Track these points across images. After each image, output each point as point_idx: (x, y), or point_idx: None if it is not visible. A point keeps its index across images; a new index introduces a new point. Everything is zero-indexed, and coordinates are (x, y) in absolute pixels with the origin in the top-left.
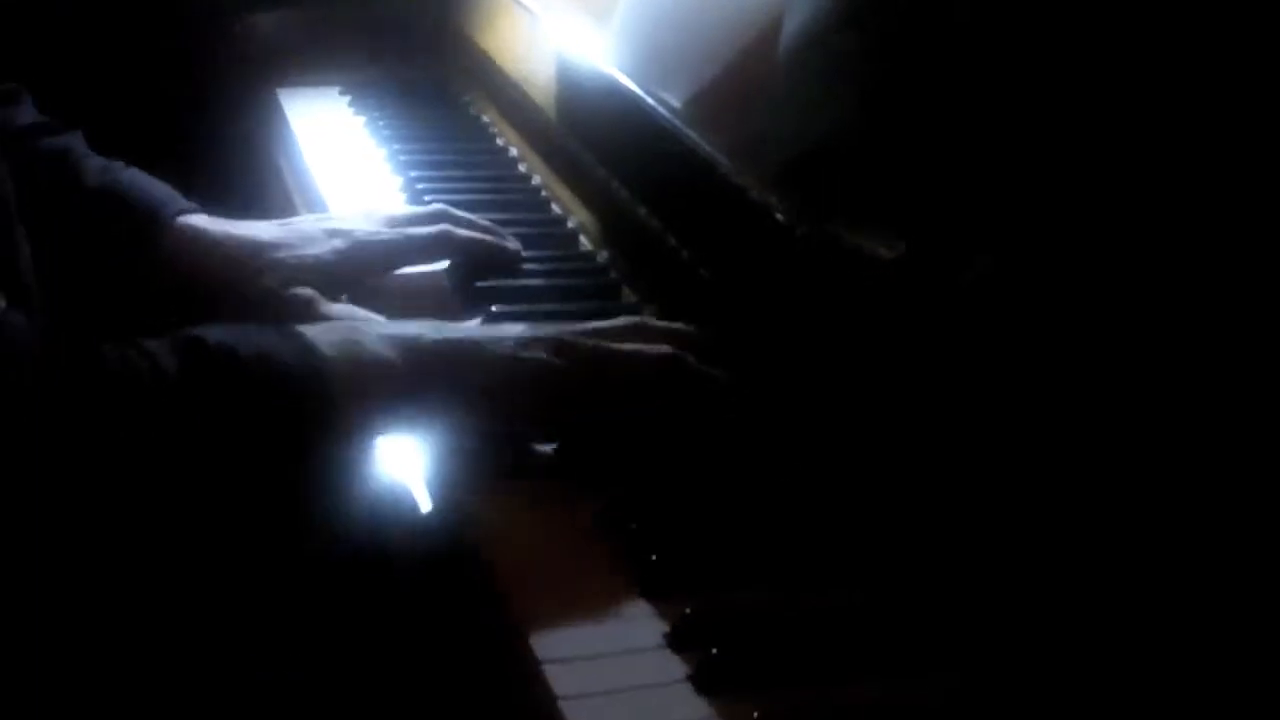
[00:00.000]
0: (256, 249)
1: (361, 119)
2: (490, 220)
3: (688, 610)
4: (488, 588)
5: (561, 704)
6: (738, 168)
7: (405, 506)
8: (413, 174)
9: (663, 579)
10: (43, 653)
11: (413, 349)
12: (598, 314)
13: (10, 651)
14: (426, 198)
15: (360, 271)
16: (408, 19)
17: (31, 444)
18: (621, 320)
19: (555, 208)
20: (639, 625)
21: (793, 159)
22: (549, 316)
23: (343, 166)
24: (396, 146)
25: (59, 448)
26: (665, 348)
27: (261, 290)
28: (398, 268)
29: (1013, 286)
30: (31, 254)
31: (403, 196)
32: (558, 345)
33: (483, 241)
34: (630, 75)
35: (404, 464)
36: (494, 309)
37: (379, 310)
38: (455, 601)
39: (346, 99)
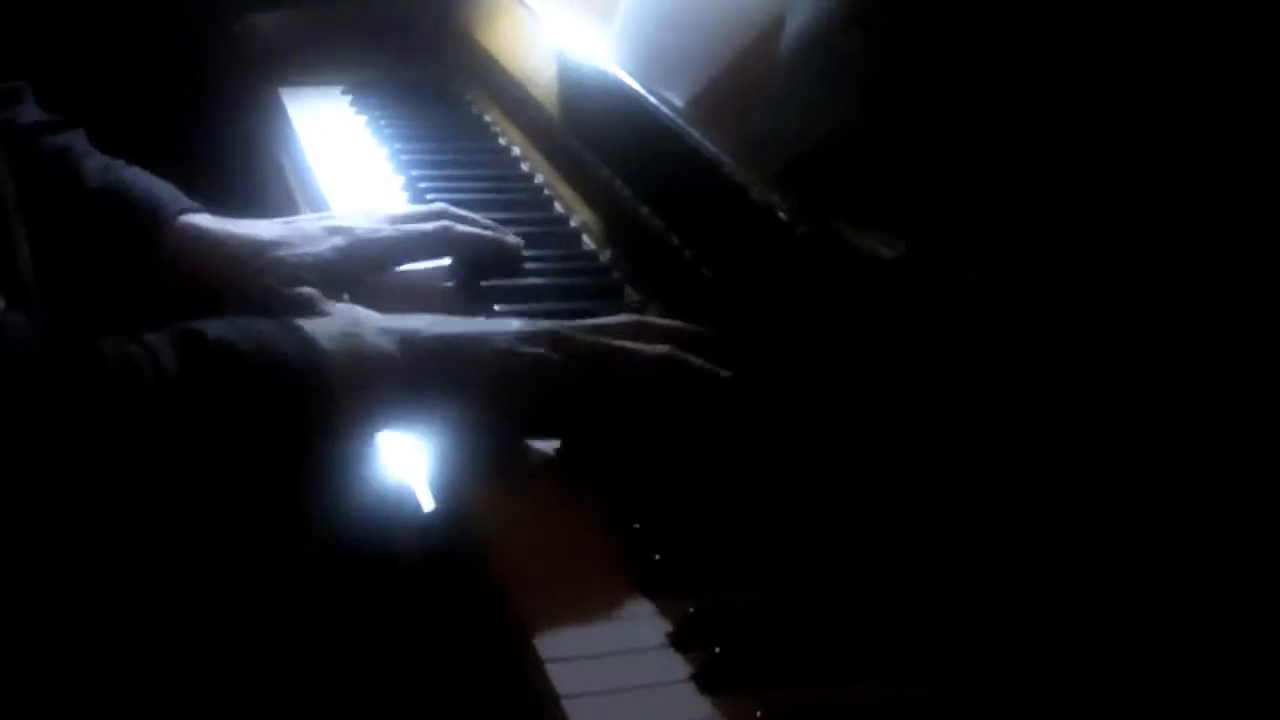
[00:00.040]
0: (258, 248)
1: (363, 118)
2: (492, 219)
3: (691, 610)
4: (490, 587)
5: (564, 703)
6: (740, 167)
7: (407, 506)
8: (414, 173)
9: (666, 578)
10: (43, 652)
11: (412, 342)
12: (600, 313)
13: (10, 651)
14: (429, 197)
15: (361, 269)
16: (409, 18)
17: (31, 443)
18: (622, 318)
19: (558, 207)
20: (642, 624)
21: (795, 158)
22: (551, 316)
23: (345, 165)
24: (398, 146)
25: (59, 446)
26: (664, 346)
27: (263, 289)
28: (399, 265)
29: (1013, 286)
30: (32, 253)
31: (404, 195)
32: (555, 339)
33: (483, 237)
34: (632, 74)
35: (406, 463)
36: (496, 308)
37: (381, 309)
38: (458, 600)
39: (348, 98)
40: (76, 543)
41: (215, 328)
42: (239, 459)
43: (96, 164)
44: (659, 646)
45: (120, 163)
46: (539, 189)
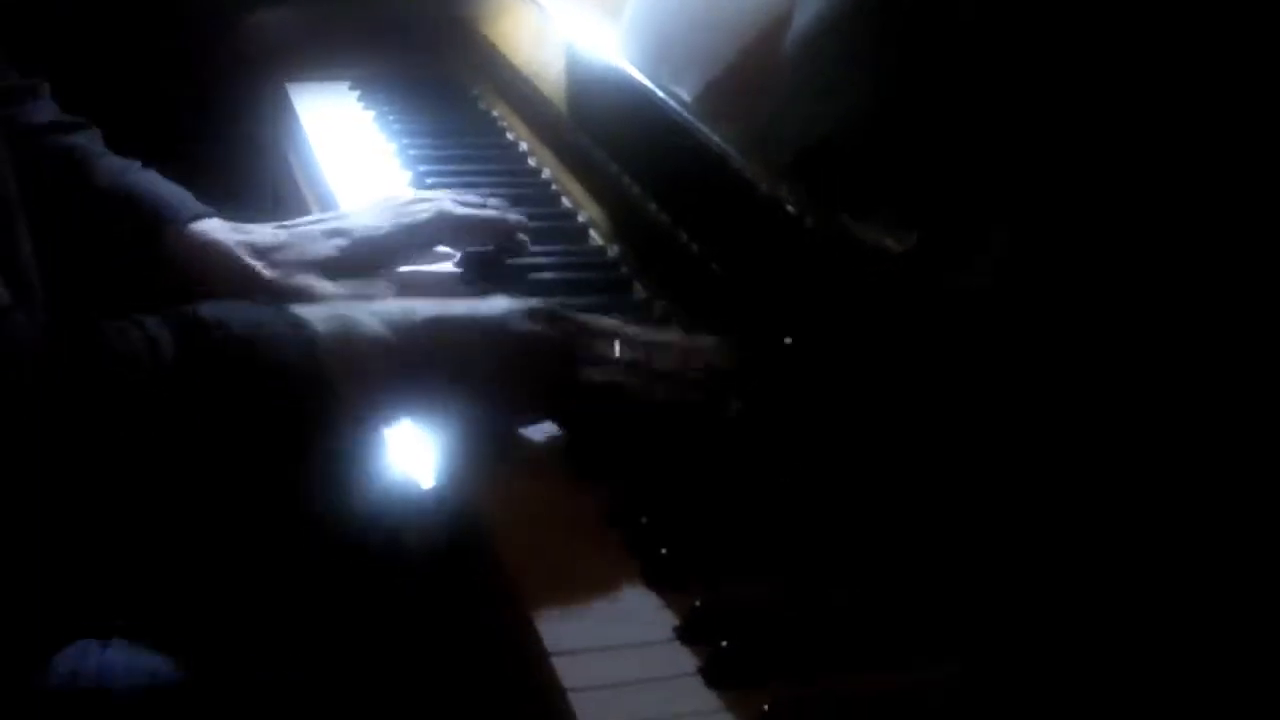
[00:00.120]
0: (262, 253)
1: (371, 113)
2: None
3: (697, 603)
4: (497, 579)
5: (570, 696)
6: (748, 161)
7: (414, 498)
8: (422, 168)
9: (672, 572)
10: (48, 640)
11: (403, 323)
12: (608, 309)
13: (14, 639)
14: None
15: (363, 265)
16: (417, 13)
17: (35, 432)
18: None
19: (566, 202)
20: (648, 618)
21: (803, 152)
22: None
23: (352, 161)
24: (406, 141)
25: (62, 433)
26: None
27: (270, 297)
28: (401, 256)
29: (1021, 281)
30: (38, 251)
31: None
32: (549, 316)
33: (480, 215)
34: (640, 69)
35: (412, 455)
36: None
37: None
38: (464, 593)
39: (356, 93)
40: (79, 532)
41: (210, 310)
42: (238, 442)
43: (109, 165)
44: (665, 640)
45: (136, 164)
46: (546, 184)
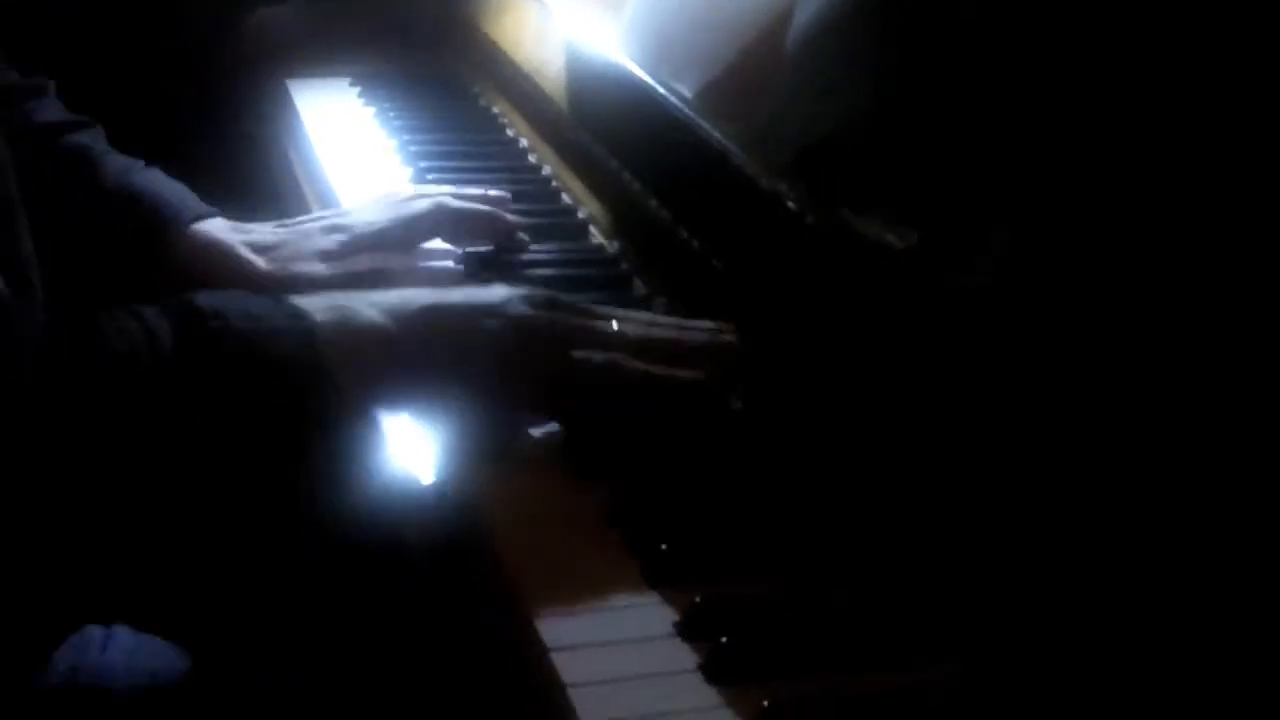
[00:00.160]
0: (262, 250)
1: (371, 110)
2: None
3: (697, 599)
4: (496, 576)
5: (570, 691)
6: (749, 158)
7: (413, 495)
8: (423, 164)
9: (672, 568)
10: (50, 635)
11: (400, 312)
12: (608, 305)
13: (14, 634)
14: None
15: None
16: (418, 10)
17: (35, 428)
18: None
19: (566, 198)
20: (648, 614)
21: (804, 149)
22: None
23: (353, 157)
24: (406, 137)
25: (62, 428)
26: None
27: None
28: (400, 248)
29: (1022, 278)
30: (39, 250)
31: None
32: (547, 302)
33: (479, 210)
34: (641, 65)
35: (412, 452)
36: None
37: None
38: (464, 589)
39: (356, 90)
40: (79, 524)
41: (208, 300)
42: (237, 432)
43: (115, 164)
44: (665, 636)
45: (139, 164)
46: (547, 180)
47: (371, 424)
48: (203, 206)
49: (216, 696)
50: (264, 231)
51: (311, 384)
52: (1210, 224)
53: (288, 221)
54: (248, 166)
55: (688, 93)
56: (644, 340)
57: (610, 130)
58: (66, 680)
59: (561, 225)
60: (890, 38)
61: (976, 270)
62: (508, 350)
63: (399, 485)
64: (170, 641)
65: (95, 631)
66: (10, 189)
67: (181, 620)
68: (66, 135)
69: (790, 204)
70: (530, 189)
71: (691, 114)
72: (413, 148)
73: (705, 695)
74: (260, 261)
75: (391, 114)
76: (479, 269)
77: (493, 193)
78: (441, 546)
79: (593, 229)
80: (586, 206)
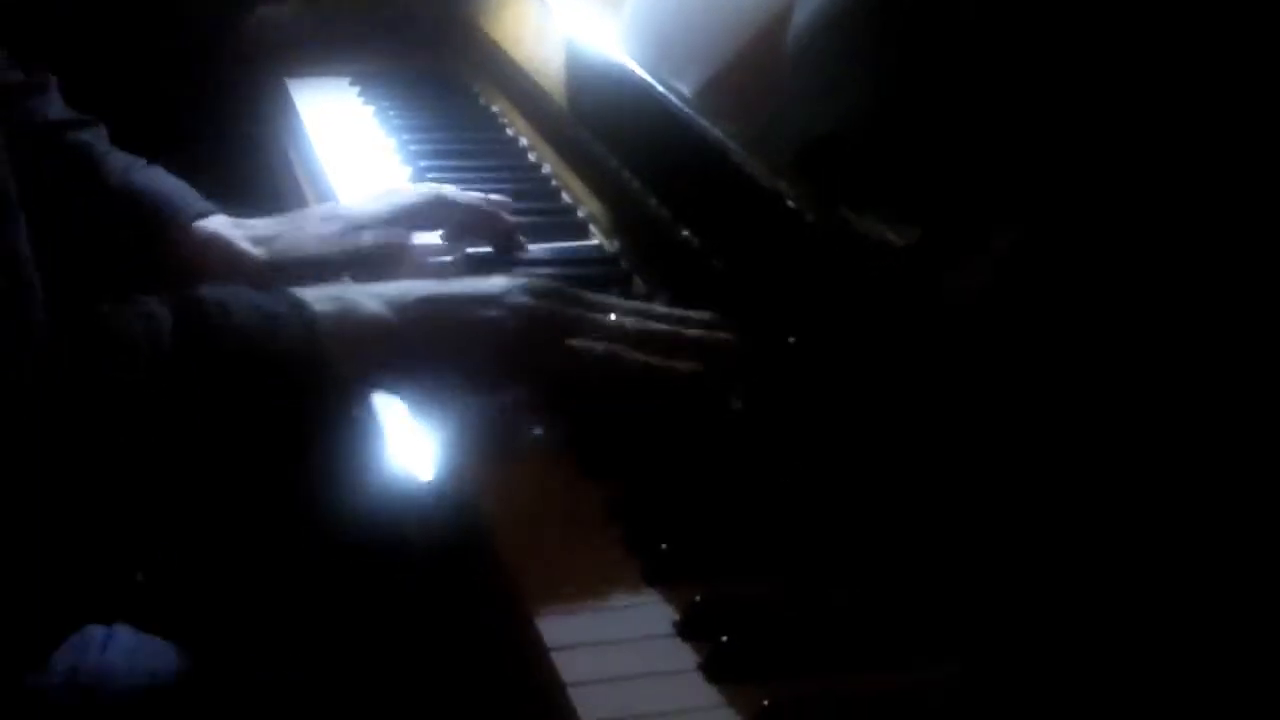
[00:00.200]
0: (261, 241)
1: (371, 109)
2: None
3: (697, 598)
4: (496, 574)
5: (570, 691)
6: (749, 156)
7: (414, 493)
8: (422, 164)
9: (672, 567)
10: (49, 634)
11: (400, 302)
12: None
13: (15, 630)
14: None
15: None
16: (417, 8)
17: (37, 420)
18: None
19: (566, 197)
20: (648, 613)
21: (804, 147)
22: None
23: (352, 156)
24: (406, 136)
25: (64, 418)
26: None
27: (269, 278)
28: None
29: (1023, 277)
30: (41, 249)
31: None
32: (546, 291)
33: (478, 204)
34: (641, 64)
35: (412, 451)
36: None
37: None
38: (464, 589)
39: (356, 89)
40: (81, 518)
41: (209, 292)
42: (237, 423)
43: (117, 163)
44: (665, 635)
45: (141, 162)
46: (546, 179)
47: (371, 423)
48: (204, 204)
49: (216, 696)
50: (263, 224)
51: (313, 375)
52: (1212, 219)
53: (287, 214)
54: (248, 166)
55: (687, 91)
56: (643, 332)
57: (610, 129)
58: (67, 680)
59: (561, 224)
60: (890, 36)
61: (977, 269)
62: (508, 340)
63: (398, 484)
64: (170, 641)
65: (95, 631)
66: (9, 189)
67: (182, 620)
68: (69, 133)
69: (790, 202)
70: (530, 187)
71: (691, 112)
72: (412, 146)
73: (705, 694)
74: (259, 251)
75: (391, 113)
76: (478, 269)
77: (493, 196)
78: (441, 546)
79: (592, 227)
80: (586, 205)
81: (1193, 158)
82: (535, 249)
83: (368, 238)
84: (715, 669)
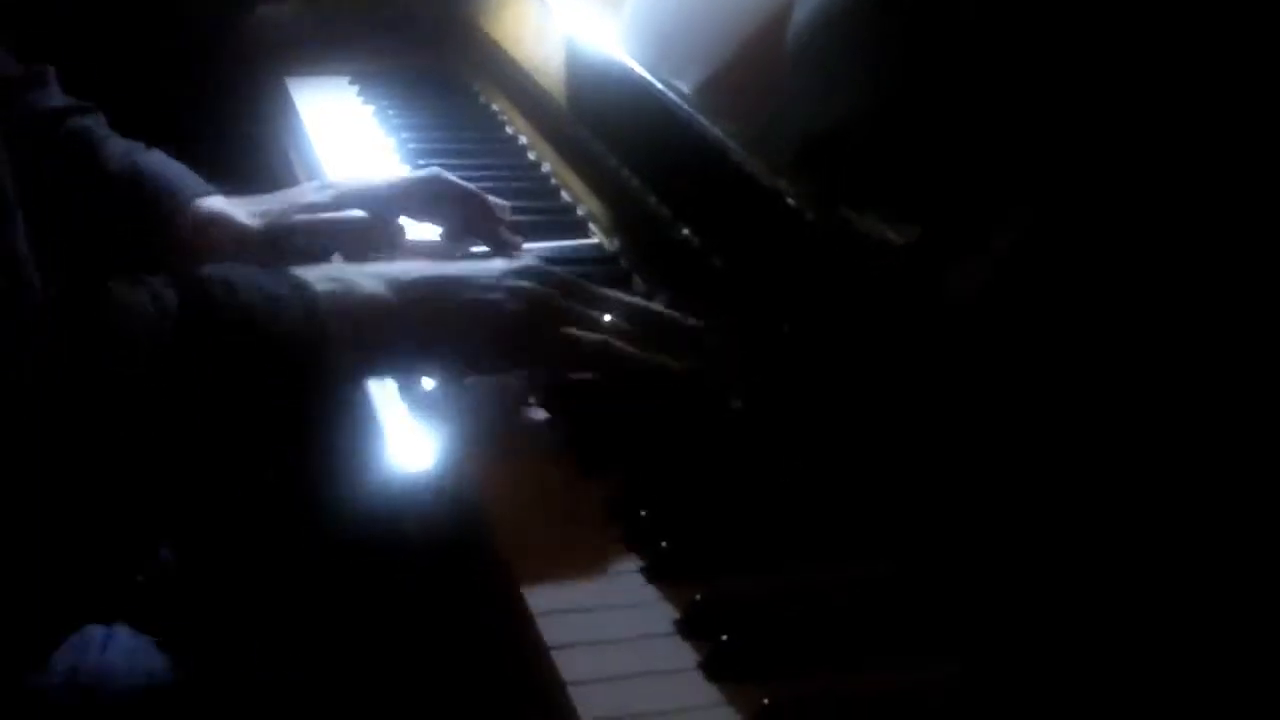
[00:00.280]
0: (259, 214)
1: (370, 108)
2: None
3: (698, 597)
4: (496, 573)
5: (570, 690)
6: (749, 155)
7: (414, 492)
8: (421, 163)
9: (673, 565)
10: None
11: (400, 283)
12: None
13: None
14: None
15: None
16: (417, 7)
17: (43, 393)
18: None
19: (565, 196)
20: (649, 612)
21: (804, 146)
22: None
23: (351, 155)
24: (405, 135)
25: (69, 396)
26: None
27: (269, 253)
28: (392, 209)
29: (1023, 275)
30: (42, 244)
31: None
32: (544, 276)
33: (471, 190)
34: (640, 62)
35: (412, 448)
36: None
37: None
38: (463, 587)
39: (355, 88)
40: (83, 507)
41: (214, 271)
42: (239, 401)
43: (117, 147)
44: (666, 634)
45: (141, 145)
46: (546, 178)
47: (370, 419)
48: (204, 185)
49: (216, 697)
50: (261, 199)
51: (313, 354)
52: (1213, 214)
53: (284, 190)
54: (248, 165)
55: (687, 89)
56: (636, 314)
57: (610, 127)
58: (66, 680)
59: (561, 222)
60: (890, 34)
61: (977, 267)
62: (506, 324)
63: (398, 483)
64: (170, 642)
65: (95, 631)
66: (7, 189)
67: (181, 620)
68: (68, 119)
69: (790, 201)
70: (529, 186)
71: (691, 111)
72: (411, 146)
73: (706, 693)
74: (257, 223)
75: (390, 112)
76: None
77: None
78: (441, 545)
79: (592, 226)
80: (586, 204)
81: (1195, 152)
82: (534, 247)
83: (354, 211)
84: (715, 668)
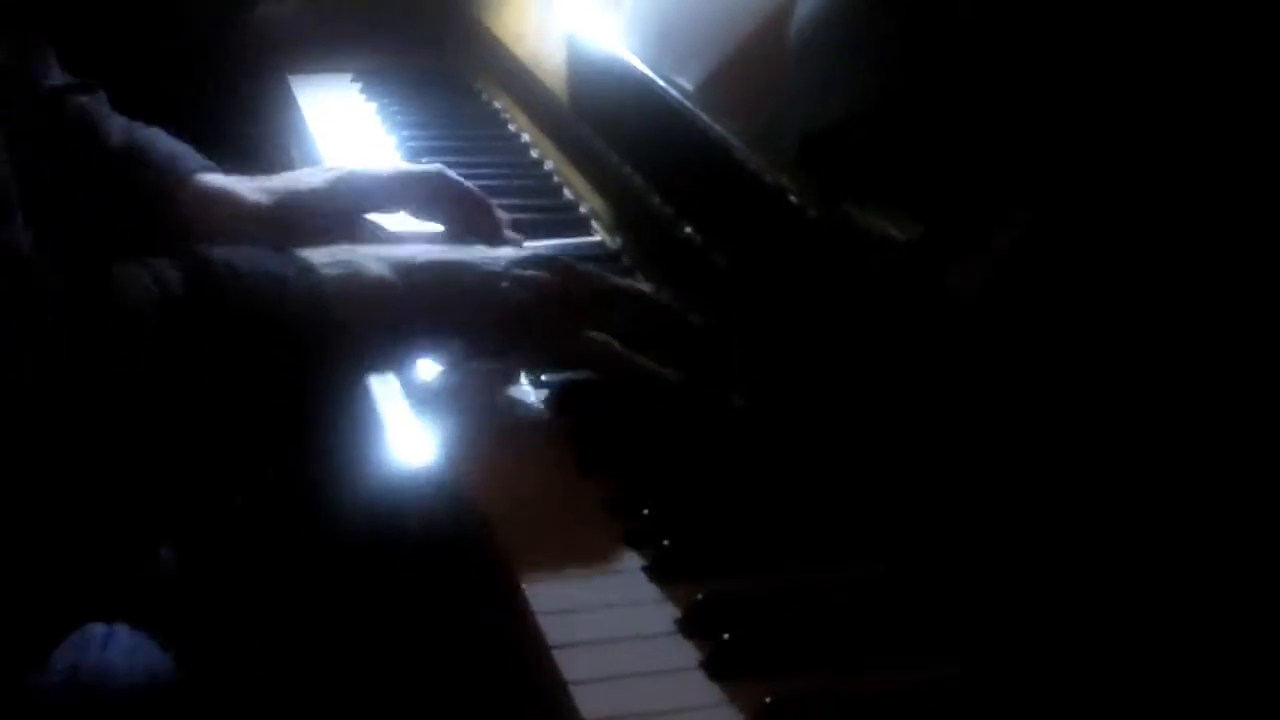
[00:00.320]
0: (262, 192)
1: (373, 105)
2: (501, 206)
3: (700, 596)
4: (497, 572)
5: (572, 689)
6: (751, 152)
7: (415, 491)
8: (424, 160)
9: (675, 564)
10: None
11: (407, 268)
12: None
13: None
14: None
15: (354, 197)
16: (419, 5)
17: (47, 376)
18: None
19: (568, 194)
20: (650, 611)
21: (806, 142)
22: None
23: (354, 153)
24: (408, 133)
25: (73, 377)
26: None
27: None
28: (392, 198)
29: (1025, 272)
30: (50, 213)
31: None
32: (551, 264)
33: (473, 190)
34: (642, 59)
35: (414, 446)
36: None
37: None
38: (465, 586)
39: (358, 86)
40: (81, 513)
41: (219, 253)
42: (244, 384)
43: (117, 123)
44: (667, 633)
45: (140, 124)
46: (548, 175)
47: (373, 417)
48: (203, 160)
49: (216, 695)
50: (262, 179)
51: (318, 337)
52: (1214, 214)
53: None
54: (250, 163)
55: (689, 86)
56: (639, 303)
57: (612, 125)
58: (67, 678)
59: (563, 220)
60: (893, 30)
61: (980, 264)
62: (511, 312)
63: (399, 482)
64: (170, 640)
65: (95, 630)
66: (7, 188)
67: (182, 619)
68: (68, 98)
69: (793, 198)
70: (532, 184)
71: (693, 108)
72: (414, 144)
73: (707, 692)
74: (260, 197)
75: (393, 110)
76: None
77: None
78: (442, 544)
79: (594, 224)
80: (588, 202)
81: (1197, 148)
82: (537, 245)
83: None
84: (717, 667)
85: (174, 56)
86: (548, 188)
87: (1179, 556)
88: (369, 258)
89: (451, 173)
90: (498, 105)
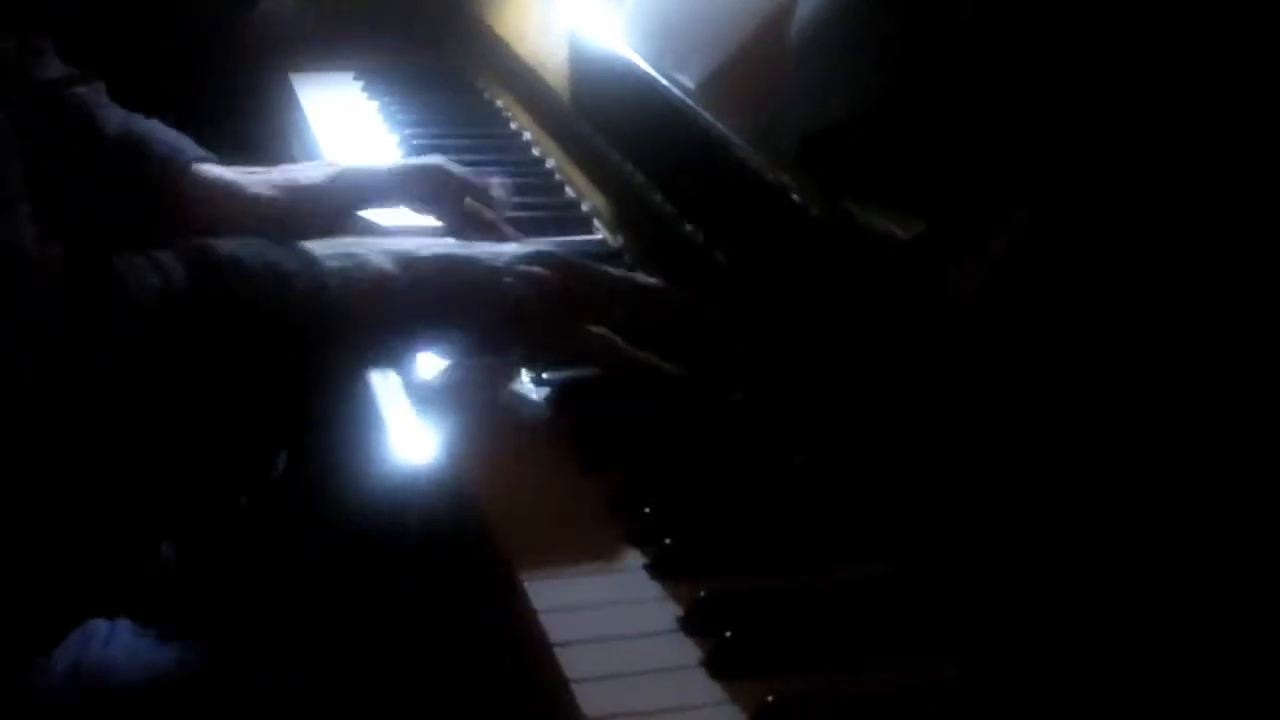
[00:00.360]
0: (262, 183)
1: (375, 104)
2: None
3: (701, 594)
4: (497, 570)
5: (573, 687)
6: (753, 150)
7: (416, 489)
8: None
9: (676, 562)
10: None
11: (410, 261)
12: None
13: (15, 628)
14: None
15: (352, 191)
16: (421, 3)
17: (50, 372)
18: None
19: (569, 192)
20: (652, 609)
21: (808, 140)
22: None
23: (356, 152)
24: (409, 131)
25: (77, 368)
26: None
27: (274, 223)
28: (392, 192)
29: (1027, 270)
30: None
31: None
32: (553, 260)
33: (472, 179)
34: (644, 57)
35: (414, 445)
36: None
37: None
38: (466, 584)
39: (360, 84)
40: (82, 510)
41: (223, 245)
42: (246, 377)
43: (116, 114)
44: (669, 631)
45: (138, 116)
46: (550, 173)
47: (374, 415)
48: (201, 150)
49: (218, 691)
50: (265, 170)
51: (321, 329)
52: (1213, 214)
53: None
54: (251, 161)
55: (691, 85)
56: (641, 297)
57: (614, 123)
58: (69, 675)
59: (565, 218)
60: (894, 28)
61: (981, 262)
62: (513, 307)
63: (400, 477)
64: (172, 636)
65: (98, 626)
66: (9, 185)
67: (183, 615)
68: (67, 89)
69: (794, 196)
70: (533, 182)
71: (695, 106)
72: (416, 142)
73: (708, 690)
74: (261, 189)
75: (395, 108)
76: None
77: (496, 180)
78: (443, 541)
79: (596, 222)
80: (590, 200)
81: (1197, 148)
82: (539, 243)
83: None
84: (718, 665)
85: (175, 55)
86: (549, 186)
87: (1178, 556)
88: (372, 250)
89: (452, 164)
90: (499, 103)
